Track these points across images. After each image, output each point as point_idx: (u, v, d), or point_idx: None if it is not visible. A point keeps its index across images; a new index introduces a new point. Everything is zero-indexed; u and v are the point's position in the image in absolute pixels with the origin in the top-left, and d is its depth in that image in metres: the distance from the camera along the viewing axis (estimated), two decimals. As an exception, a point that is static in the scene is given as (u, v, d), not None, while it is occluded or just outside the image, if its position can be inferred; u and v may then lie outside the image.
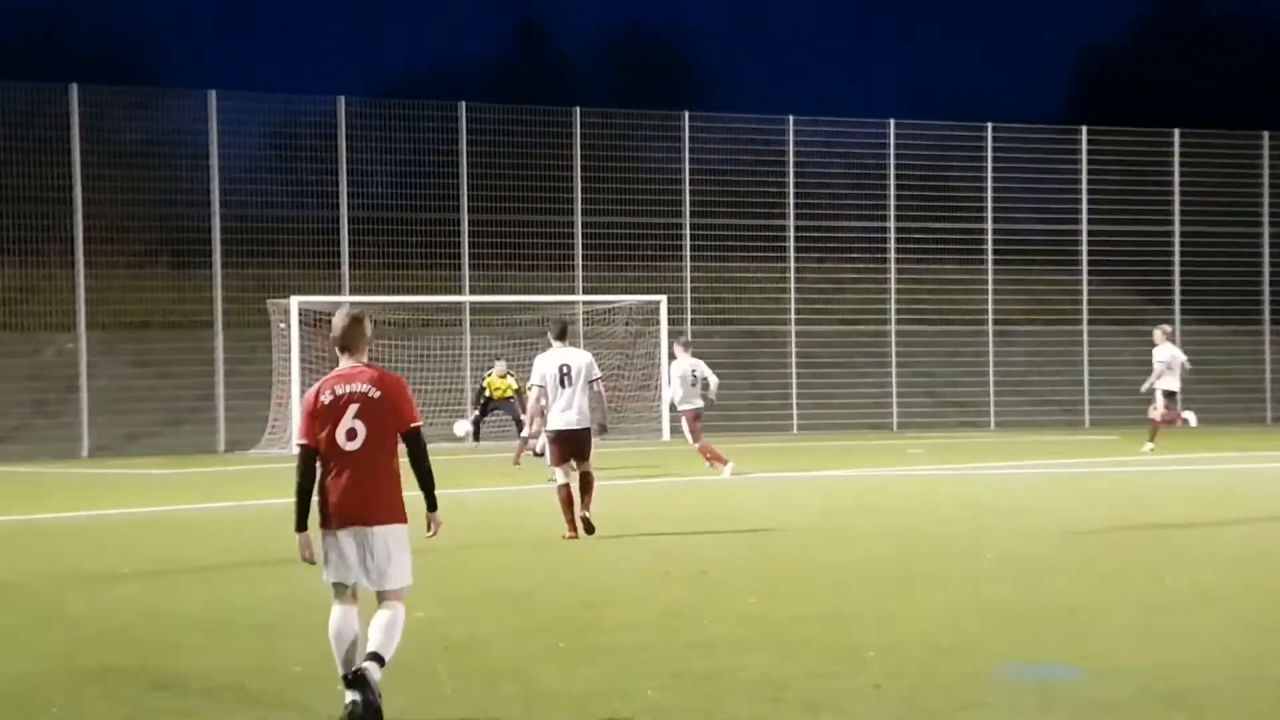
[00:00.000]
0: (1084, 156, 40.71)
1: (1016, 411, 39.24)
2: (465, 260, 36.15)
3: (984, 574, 12.52)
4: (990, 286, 40.03)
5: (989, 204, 40.34)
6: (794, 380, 38.44)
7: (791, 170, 39.16)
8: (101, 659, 9.47)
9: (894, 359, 38.63)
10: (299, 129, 36.67)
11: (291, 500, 8.16)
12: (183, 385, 34.12)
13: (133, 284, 34.36)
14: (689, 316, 37.45)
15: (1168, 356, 28.94)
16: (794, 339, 38.73)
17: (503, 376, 29.46)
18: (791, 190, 39.01)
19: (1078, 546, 14.25)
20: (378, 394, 8.00)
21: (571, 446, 15.96)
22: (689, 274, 37.96)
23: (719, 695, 8.17)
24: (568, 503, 15.80)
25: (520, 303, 35.64)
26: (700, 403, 23.61)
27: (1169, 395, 28.78)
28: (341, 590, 8.08)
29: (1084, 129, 40.99)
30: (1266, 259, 41.70)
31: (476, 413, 29.98)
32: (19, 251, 32.99)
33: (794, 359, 38.61)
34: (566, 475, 15.92)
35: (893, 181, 39.74)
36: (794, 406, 38.28)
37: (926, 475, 24.02)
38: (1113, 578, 12.17)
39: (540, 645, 9.61)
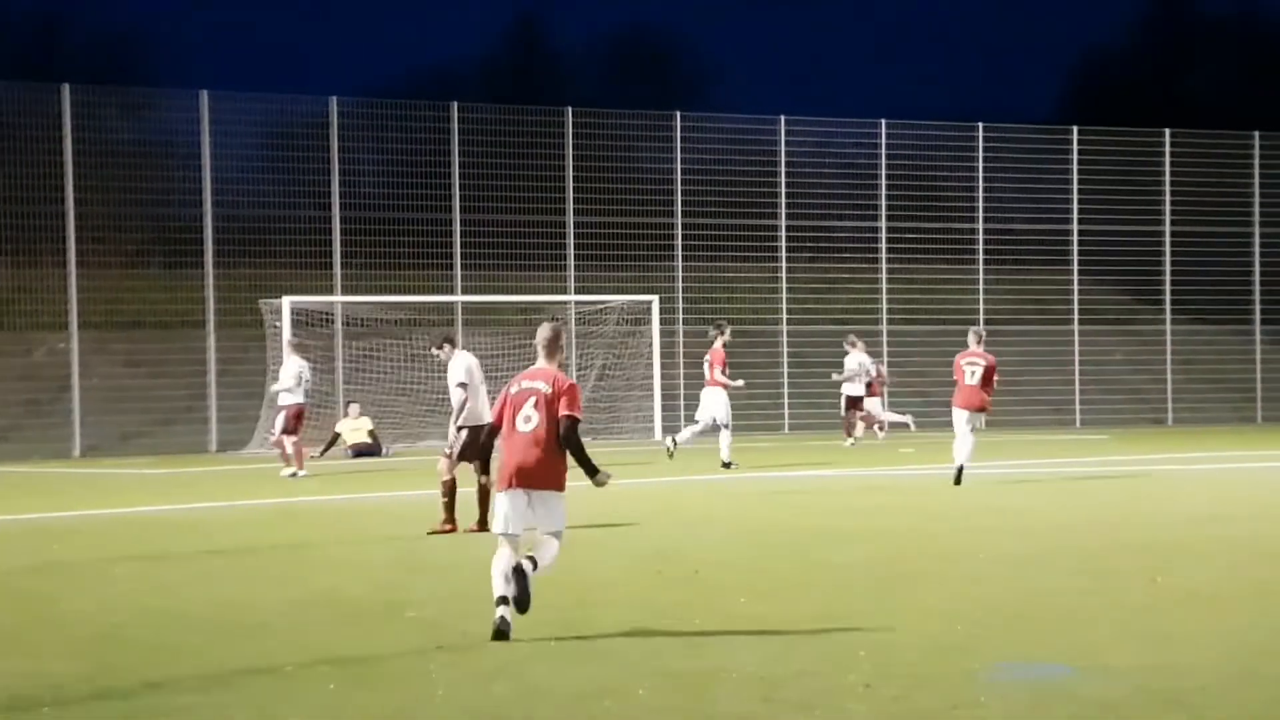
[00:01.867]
0: (1075, 156, 40.76)
1: (1008, 411, 39.21)
2: (457, 260, 36.14)
3: (977, 574, 12.55)
4: (981, 286, 40.06)
5: (980, 204, 40.37)
6: (785, 380, 38.45)
7: (783, 170, 39.18)
8: (96, 658, 9.47)
9: (886, 359, 38.63)
10: (291, 129, 36.61)
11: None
12: (175, 385, 34.07)
13: (125, 284, 34.32)
14: (681, 316, 37.46)
15: (855, 364, 31.96)
16: (785, 338, 38.75)
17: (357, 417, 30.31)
18: (783, 190, 39.03)
19: (1070, 546, 14.28)
20: (550, 391, 10.31)
21: (485, 452, 15.87)
22: (681, 274, 37.97)
23: (710, 694, 8.19)
24: (452, 493, 15.92)
25: (513, 302, 35.63)
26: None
27: (854, 401, 32.16)
28: (509, 539, 10.15)
29: (1075, 129, 41.04)
30: (1257, 259, 41.76)
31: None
32: (11, 251, 32.93)
33: (785, 358, 38.63)
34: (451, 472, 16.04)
35: (884, 181, 39.76)
36: (786, 406, 38.30)
37: (918, 475, 24.05)
38: (1105, 578, 12.20)
39: (532, 644, 9.62)
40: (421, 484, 19.72)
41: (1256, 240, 41.74)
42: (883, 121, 39.97)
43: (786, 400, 38.35)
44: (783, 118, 39.30)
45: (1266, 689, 8.11)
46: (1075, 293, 40.74)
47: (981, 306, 39.74)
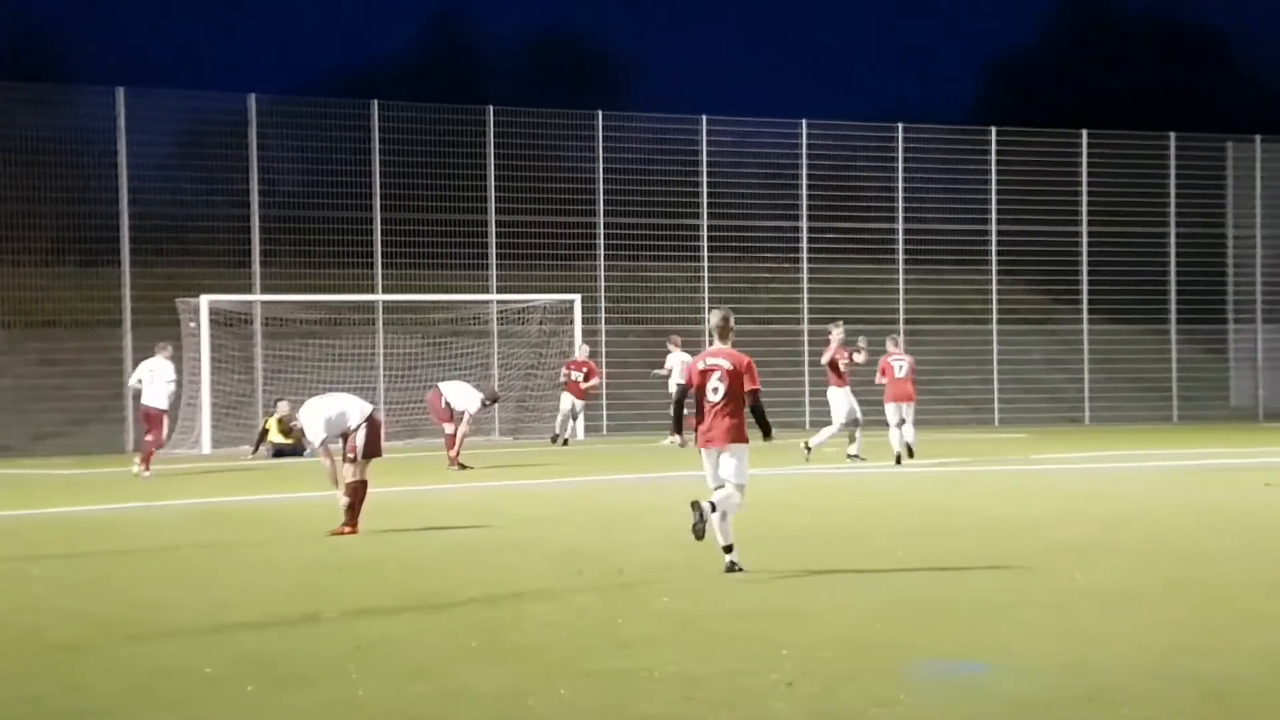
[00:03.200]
0: (993, 157, 41.09)
1: (928, 410, 39.41)
2: (378, 259, 35.95)
3: (897, 571, 12.62)
4: (901, 286, 40.31)
5: (900, 204, 40.62)
6: (707, 379, 38.52)
7: (705, 170, 39.26)
8: (13, 661, 9.35)
9: (806, 358, 38.78)
10: (209, 126, 36.27)
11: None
12: (90, 384, 33.68)
13: (39, 282, 33.88)
14: (603, 316, 37.46)
15: (678, 363, 31.86)
16: (707, 338, 38.82)
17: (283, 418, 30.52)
18: (705, 190, 39.11)
19: (989, 543, 14.39)
20: (731, 367, 12.69)
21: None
22: (603, 273, 37.97)
23: (633, 694, 8.19)
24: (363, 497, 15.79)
25: (434, 302, 35.49)
26: None
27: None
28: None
29: (993, 130, 41.37)
30: (1173, 259, 42.26)
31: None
32: (-79, 249, 32.49)
33: (708, 358, 38.70)
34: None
35: (805, 181, 39.92)
36: (707, 405, 38.37)
37: (839, 474, 24.15)
38: (1023, 575, 12.30)
39: (453, 644, 9.58)
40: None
41: (1172, 241, 42.24)
42: (803, 122, 40.14)
43: (708, 399, 38.41)
44: (704, 118, 39.38)
45: (1180, 685, 8.20)
46: (994, 292, 41.07)
47: (901, 306, 39.99)
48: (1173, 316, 42.32)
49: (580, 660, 9.07)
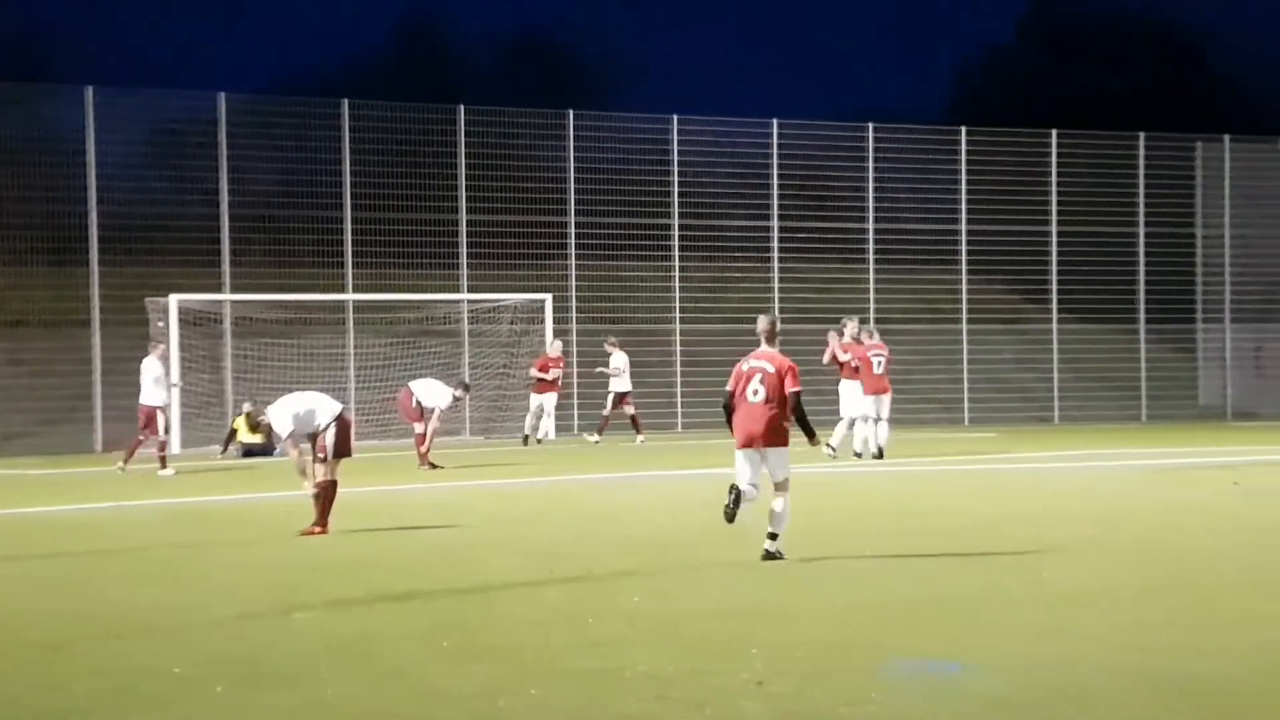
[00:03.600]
0: (963, 157, 41.19)
1: (898, 409, 39.48)
2: (349, 258, 35.86)
3: (867, 570, 12.65)
4: (872, 285, 40.39)
5: (870, 203, 40.70)
6: (679, 378, 38.55)
7: (676, 169, 39.27)
8: (-22, 663, 9.30)
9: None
10: (179, 125, 36.15)
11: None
12: (59, 385, 33.53)
13: (7, 282, 33.70)
14: (574, 315, 37.44)
15: (621, 363, 32.66)
16: (679, 337, 38.84)
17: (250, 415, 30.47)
18: (676, 189, 39.11)
19: (959, 543, 14.44)
20: (772, 369, 13.15)
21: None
22: (574, 272, 37.95)
23: (604, 693, 8.19)
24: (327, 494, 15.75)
25: (404, 301, 35.42)
26: None
27: (621, 397, 32.74)
28: (752, 489, 13.01)
29: (963, 130, 41.47)
30: (1142, 259, 42.42)
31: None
32: (-112, 248, 32.30)
33: (679, 357, 38.73)
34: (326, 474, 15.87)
35: (776, 181, 39.97)
36: (679, 404, 38.40)
37: (809, 473, 24.15)
38: (995, 574, 12.34)
39: (426, 644, 9.57)
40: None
41: (1141, 240, 42.40)
42: (774, 121, 40.19)
43: (679, 399, 38.45)
44: (675, 117, 39.39)
45: (1152, 684, 8.24)
46: (964, 292, 41.16)
47: (872, 305, 40.05)
48: (1142, 316, 42.48)
49: (552, 660, 9.07)
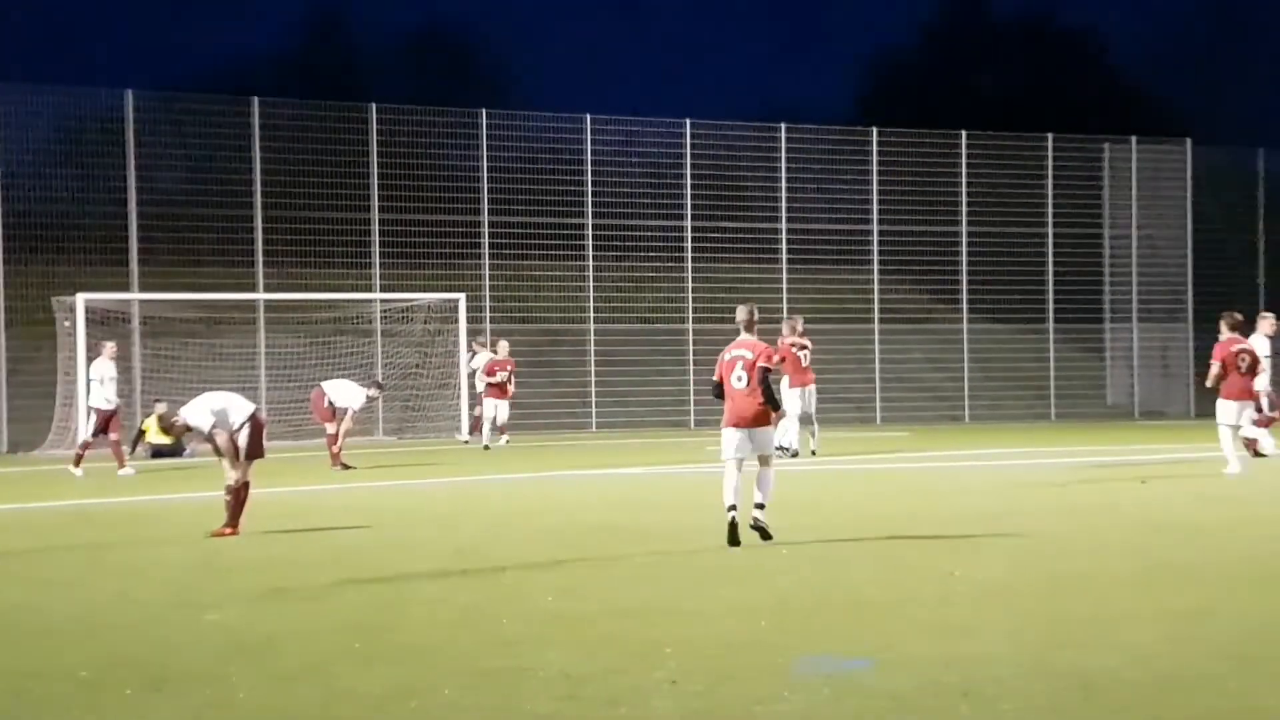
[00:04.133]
0: (874, 157, 41.48)
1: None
2: (260, 257, 35.60)
3: (779, 568, 12.70)
4: (784, 285, 40.58)
5: (783, 204, 40.90)
6: (593, 378, 38.58)
7: (589, 169, 39.29)
8: (-122, 668, 9.14)
9: (691, 357, 38.96)
10: (84, 122, 35.72)
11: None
12: (-36, 384, 33.09)
13: (-90, 281, 33.23)
14: (488, 314, 37.36)
15: (479, 364, 31.81)
16: (593, 337, 38.86)
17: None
18: (589, 189, 39.14)
19: (869, 540, 14.53)
20: (751, 356, 14.42)
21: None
22: (487, 272, 37.87)
23: (517, 693, 8.18)
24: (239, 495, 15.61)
25: (316, 301, 35.19)
26: None
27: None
28: (735, 461, 14.35)
29: (874, 130, 41.76)
30: (1050, 259, 42.89)
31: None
32: None
33: (593, 357, 38.75)
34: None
35: (688, 181, 40.08)
36: (593, 404, 38.43)
37: (722, 472, 24.22)
38: (904, 572, 12.43)
39: (337, 645, 9.52)
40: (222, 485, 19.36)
41: (1050, 241, 42.88)
42: (687, 121, 40.30)
43: (594, 398, 38.47)
44: (588, 116, 39.41)
45: (1055, 680, 8.33)
46: (875, 292, 41.47)
47: (785, 306, 40.23)
48: (1050, 316, 42.96)
49: (464, 660, 9.04)
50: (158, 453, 29.70)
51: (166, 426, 29.39)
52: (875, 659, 8.90)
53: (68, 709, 8.02)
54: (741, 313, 14.75)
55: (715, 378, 14.70)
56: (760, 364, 14.31)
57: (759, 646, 9.29)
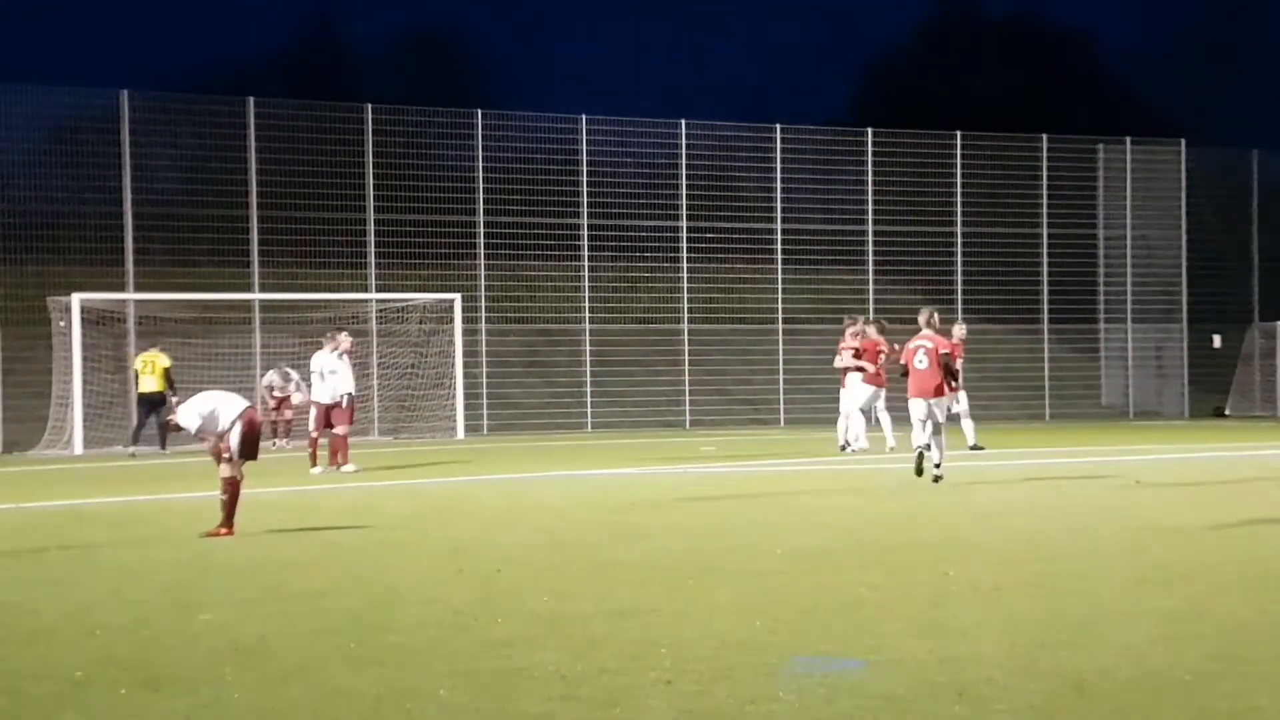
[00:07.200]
0: (869, 158, 41.51)
1: (806, 408, 39.84)
2: (255, 257, 35.61)
3: (773, 569, 12.70)
4: (780, 286, 40.61)
5: (778, 204, 40.91)
6: (588, 379, 38.59)
7: (585, 169, 39.30)
8: (-128, 669, 9.14)
9: (687, 357, 38.99)
10: (80, 123, 35.72)
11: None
12: (-41, 384, 33.08)
13: (-95, 280, 33.23)
14: (483, 315, 37.36)
15: (318, 365, 27.13)
16: (588, 337, 38.87)
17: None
18: (585, 189, 39.15)
19: (864, 541, 14.54)
20: (931, 345, 20.10)
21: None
22: (483, 272, 37.87)
23: (511, 693, 8.18)
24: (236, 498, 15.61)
25: (312, 301, 35.20)
26: None
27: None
28: (921, 422, 19.92)
29: (869, 131, 41.80)
30: (1045, 259, 42.94)
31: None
32: None
33: (588, 357, 38.76)
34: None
35: (684, 181, 40.10)
36: (588, 405, 38.43)
37: (718, 472, 24.26)
38: (898, 572, 12.43)
39: (331, 646, 9.51)
40: (216, 484, 19.36)
41: (1044, 241, 42.94)
42: (682, 122, 40.34)
43: (589, 399, 38.47)
44: (583, 117, 39.44)
45: (1046, 680, 8.33)
46: (870, 292, 41.48)
47: (780, 306, 40.28)
48: (1045, 316, 43.00)
49: (459, 660, 9.04)
50: (147, 400, 29.77)
51: (164, 421, 29.45)
52: (869, 659, 8.90)
53: (61, 709, 8.01)
54: (924, 314, 20.47)
55: (902, 360, 20.45)
56: (945, 350, 20.05)
57: (753, 647, 9.29)
